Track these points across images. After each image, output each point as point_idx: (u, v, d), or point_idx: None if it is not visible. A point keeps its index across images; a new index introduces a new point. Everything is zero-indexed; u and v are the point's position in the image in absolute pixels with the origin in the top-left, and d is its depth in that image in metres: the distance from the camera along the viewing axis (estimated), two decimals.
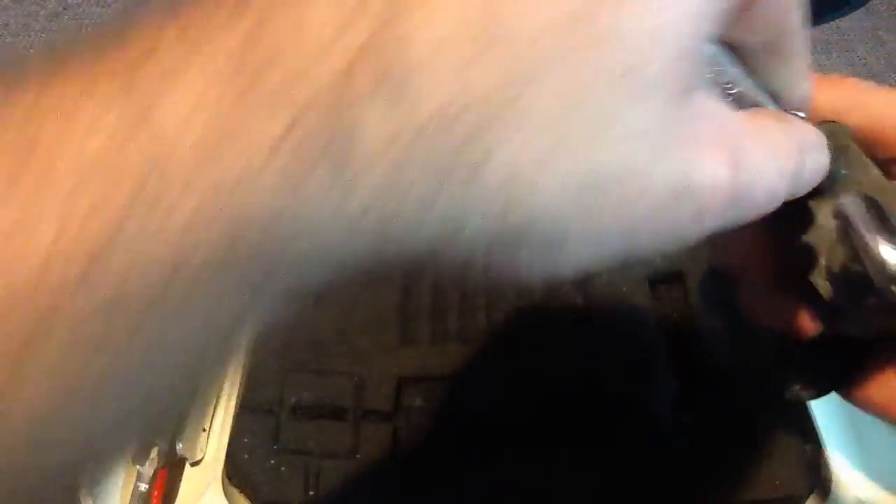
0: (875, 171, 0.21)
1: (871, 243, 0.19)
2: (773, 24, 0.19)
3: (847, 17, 0.63)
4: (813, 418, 0.35)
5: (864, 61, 0.59)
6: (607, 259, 0.15)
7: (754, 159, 0.17)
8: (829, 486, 0.33)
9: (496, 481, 0.33)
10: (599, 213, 0.14)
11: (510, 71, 0.13)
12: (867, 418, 0.35)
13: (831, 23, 0.63)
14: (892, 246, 0.18)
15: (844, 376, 0.24)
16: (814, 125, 0.22)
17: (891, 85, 0.25)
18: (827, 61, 0.60)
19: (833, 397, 0.35)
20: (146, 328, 0.12)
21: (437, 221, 0.13)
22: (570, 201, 0.14)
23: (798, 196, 0.20)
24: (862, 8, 0.64)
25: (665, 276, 0.40)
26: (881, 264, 0.18)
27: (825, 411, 0.35)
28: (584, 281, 0.40)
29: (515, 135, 0.13)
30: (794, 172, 0.18)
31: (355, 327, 0.38)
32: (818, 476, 0.33)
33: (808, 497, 0.33)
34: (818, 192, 0.22)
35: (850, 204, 0.19)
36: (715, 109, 0.16)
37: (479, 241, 0.14)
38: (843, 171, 0.22)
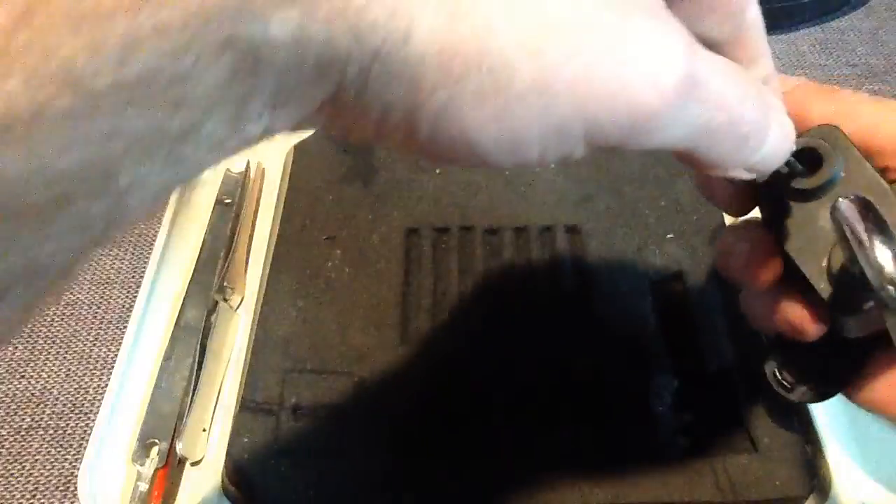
0: (872, 172, 0.22)
1: (868, 246, 0.19)
2: (728, 15, 0.19)
3: (847, 17, 0.63)
4: (813, 418, 0.35)
5: (864, 61, 0.59)
6: (558, 125, 0.15)
7: (712, 63, 0.16)
8: (829, 486, 0.33)
9: (496, 481, 0.33)
10: (553, 58, 0.14)
11: None
12: (867, 418, 0.35)
13: (831, 23, 0.63)
14: (889, 248, 0.19)
15: (849, 377, 0.24)
16: (811, 129, 0.22)
17: (891, 85, 0.25)
18: (827, 61, 0.60)
19: (833, 397, 0.35)
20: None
21: (390, 14, 0.13)
22: (525, 33, 0.14)
23: (768, 169, 0.20)
24: (862, 8, 0.64)
25: (665, 276, 0.40)
26: (878, 267, 0.18)
27: (825, 411, 0.35)
28: (584, 280, 0.40)
29: None
30: (756, 107, 0.18)
31: (355, 327, 0.38)
32: (818, 476, 0.33)
33: (808, 497, 0.33)
34: (814, 194, 0.22)
35: (845, 206, 0.19)
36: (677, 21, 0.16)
37: (424, 56, 0.13)
38: (841, 173, 0.22)
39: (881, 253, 0.18)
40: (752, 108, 0.18)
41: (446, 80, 0.14)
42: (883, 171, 0.22)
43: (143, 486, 0.33)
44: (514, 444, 0.34)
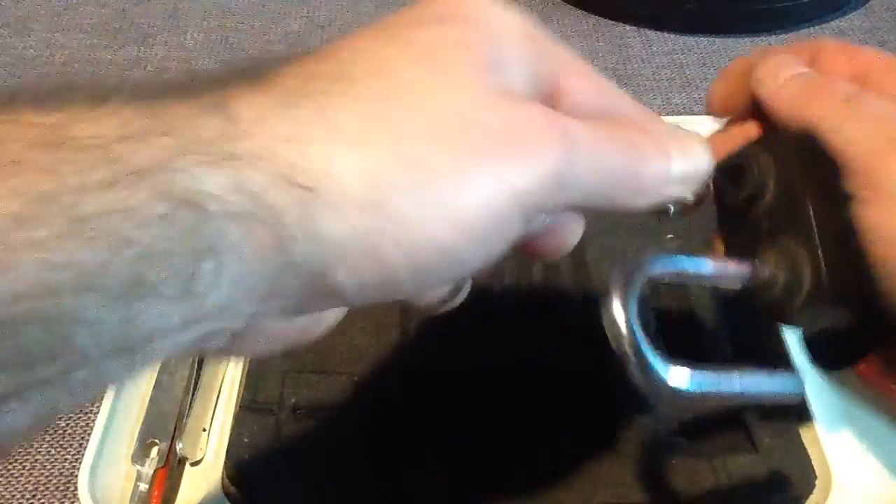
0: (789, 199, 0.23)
1: (608, 308, 0.21)
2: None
3: (847, 17, 0.63)
4: (813, 418, 0.34)
5: None
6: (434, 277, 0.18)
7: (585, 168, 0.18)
8: (829, 486, 0.33)
9: (496, 481, 0.33)
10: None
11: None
12: (867, 418, 0.35)
13: (831, 23, 0.63)
14: (620, 306, 0.21)
15: (849, 358, 0.25)
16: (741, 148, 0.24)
17: None
18: None
19: (832, 399, 0.35)
20: None
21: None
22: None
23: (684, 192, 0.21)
24: (862, 8, 0.64)
25: None
26: (611, 323, 0.21)
27: (825, 411, 0.35)
28: (584, 281, 0.40)
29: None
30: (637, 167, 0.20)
31: (355, 327, 0.38)
32: (818, 476, 0.33)
33: (808, 497, 0.32)
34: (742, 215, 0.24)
35: (614, 268, 0.21)
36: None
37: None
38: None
39: (618, 314, 0.21)
40: (623, 179, 0.20)
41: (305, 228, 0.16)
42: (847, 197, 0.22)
43: (143, 486, 0.33)
44: (514, 444, 0.34)
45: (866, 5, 0.64)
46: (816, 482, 0.33)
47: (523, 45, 0.20)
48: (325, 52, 0.18)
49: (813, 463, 0.33)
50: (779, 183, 0.23)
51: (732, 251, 0.25)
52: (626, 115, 0.21)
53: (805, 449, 0.34)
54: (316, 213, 0.16)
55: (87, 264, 0.13)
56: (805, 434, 0.34)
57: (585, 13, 0.65)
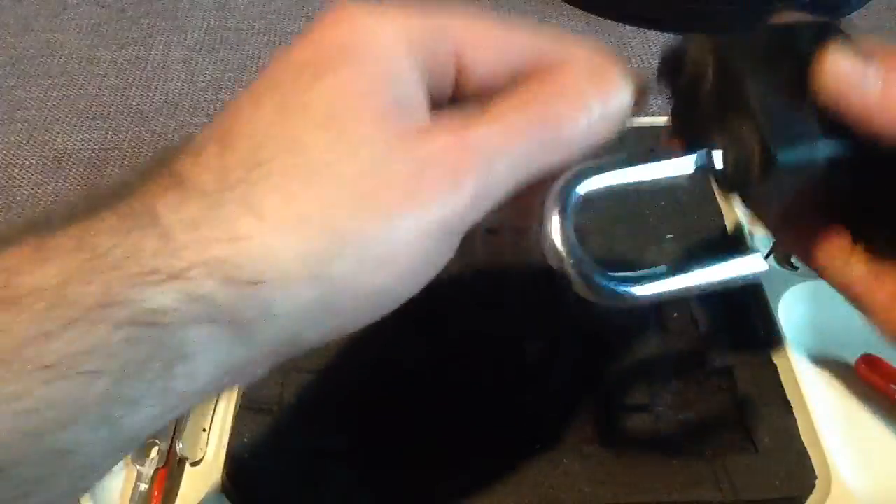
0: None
1: (547, 229, 0.21)
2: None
3: (847, 17, 0.63)
4: (813, 418, 0.35)
5: None
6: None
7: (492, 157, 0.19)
8: (829, 487, 0.33)
9: (496, 482, 0.33)
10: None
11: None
12: (867, 418, 0.35)
13: None
14: (557, 225, 0.20)
15: None
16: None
17: None
18: None
19: (833, 398, 0.35)
20: None
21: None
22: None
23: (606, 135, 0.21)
24: (862, 8, 0.64)
25: None
26: (551, 243, 0.20)
27: (825, 411, 0.35)
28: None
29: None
30: (551, 132, 0.20)
31: None
32: (818, 476, 0.33)
33: (808, 497, 0.33)
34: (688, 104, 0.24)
35: (555, 185, 0.21)
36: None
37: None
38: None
39: (556, 233, 0.20)
40: (538, 144, 0.20)
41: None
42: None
43: (143, 486, 0.33)
44: (514, 445, 0.34)
45: (866, 5, 0.64)
46: (816, 482, 0.33)
47: (410, 50, 0.19)
48: (228, 132, 0.18)
49: (813, 463, 0.33)
50: (716, 65, 0.23)
51: (685, 138, 0.25)
52: (536, 63, 0.21)
53: (805, 449, 0.34)
54: (269, 299, 0.17)
55: (66, 402, 0.14)
56: (805, 434, 0.34)
57: (585, 13, 0.65)
